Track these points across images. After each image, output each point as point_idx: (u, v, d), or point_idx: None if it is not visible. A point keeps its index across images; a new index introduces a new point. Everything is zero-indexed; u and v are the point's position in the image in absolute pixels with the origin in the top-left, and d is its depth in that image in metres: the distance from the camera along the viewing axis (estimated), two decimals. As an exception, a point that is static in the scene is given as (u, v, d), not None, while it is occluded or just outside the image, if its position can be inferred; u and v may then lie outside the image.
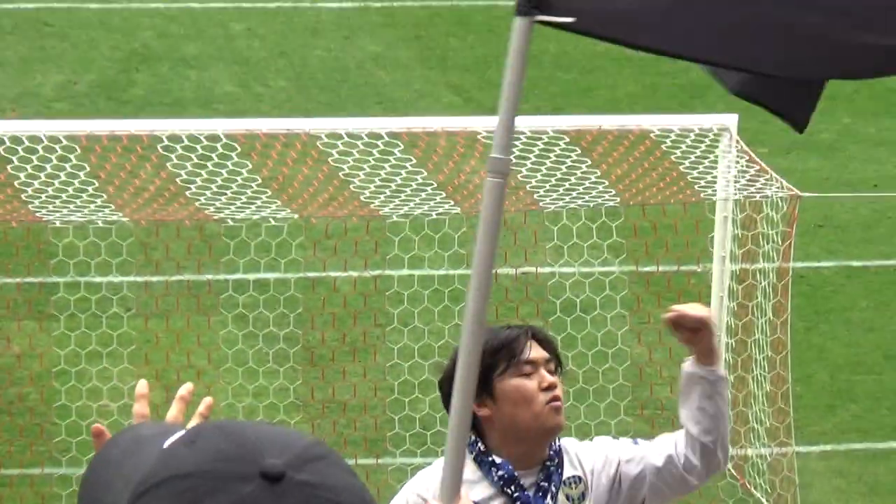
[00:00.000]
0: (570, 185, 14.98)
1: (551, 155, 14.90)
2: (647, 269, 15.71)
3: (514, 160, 15.47)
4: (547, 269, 16.00)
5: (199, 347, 15.14)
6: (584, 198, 15.10)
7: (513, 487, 7.16)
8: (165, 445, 2.00)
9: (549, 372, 7.26)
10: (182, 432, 2.11)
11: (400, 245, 15.48)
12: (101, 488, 2.16)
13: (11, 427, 14.96)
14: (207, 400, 3.14)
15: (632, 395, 14.07)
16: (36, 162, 14.60)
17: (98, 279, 15.97)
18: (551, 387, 7.17)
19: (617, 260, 15.93)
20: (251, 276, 15.98)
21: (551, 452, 7.27)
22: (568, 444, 7.38)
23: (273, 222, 15.53)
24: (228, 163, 15.23)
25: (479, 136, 15.50)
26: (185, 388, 3.19)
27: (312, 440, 1.99)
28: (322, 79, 20.96)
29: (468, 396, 5.78)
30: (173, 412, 3.11)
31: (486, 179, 6.48)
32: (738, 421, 14.23)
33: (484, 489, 7.14)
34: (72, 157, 14.76)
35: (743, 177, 14.72)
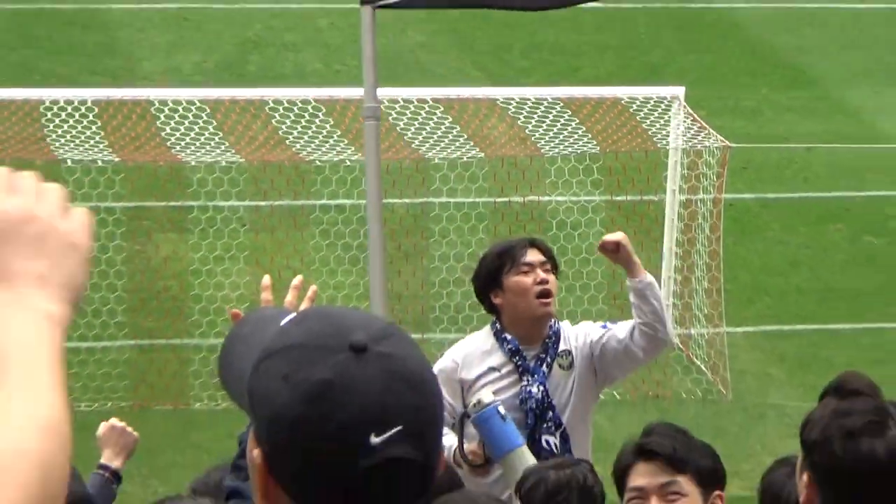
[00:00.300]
0: (562, 137, 14.89)
1: (549, 116, 14.84)
2: (618, 198, 15.50)
3: (523, 120, 15.46)
4: (546, 198, 15.89)
5: (295, 253, 15.13)
6: (573, 147, 15.02)
7: (517, 358, 7.09)
8: (281, 324, 2.03)
9: (545, 271, 7.12)
10: (293, 314, 2.16)
11: (440, 179, 15.43)
12: (234, 356, 2.21)
13: (159, 310, 15.14)
14: (313, 287, 3.48)
15: (607, 289, 13.78)
16: (177, 118, 14.64)
17: (222, 203, 16.04)
18: (543, 282, 7.03)
19: (597, 192, 15.83)
20: (332, 202, 15.93)
21: (551, 332, 7.16)
22: (563, 325, 7.29)
23: (349, 163, 15.33)
24: (316, 120, 15.16)
25: (497, 101, 15.49)
26: (298, 279, 3.47)
27: (388, 322, 2.01)
28: (384, 59, 20.83)
29: (381, 279, 6.84)
30: (289, 297, 3.36)
31: (365, 123, 6.38)
32: (683, 309, 14.26)
33: (498, 357, 7.09)
34: (203, 115, 14.78)
35: (688, 132, 14.57)
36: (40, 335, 1.54)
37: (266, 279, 3.54)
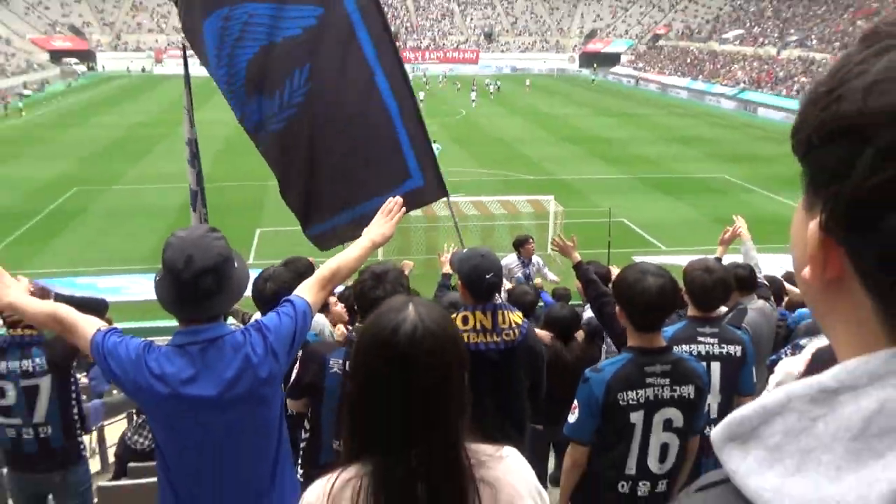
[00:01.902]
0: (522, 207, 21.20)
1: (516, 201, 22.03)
2: (539, 221, 22.07)
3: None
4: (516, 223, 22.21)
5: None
6: (528, 210, 21.12)
7: (523, 262, 12.05)
8: (464, 251, 5.09)
9: (531, 244, 11.99)
10: (465, 250, 5.15)
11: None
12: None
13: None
14: (453, 249, 7.85)
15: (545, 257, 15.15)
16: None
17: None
18: (532, 248, 12.07)
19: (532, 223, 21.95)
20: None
21: (535, 257, 12.14)
22: (535, 257, 12.19)
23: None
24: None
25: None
26: (441, 253, 8.21)
27: (488, 248, 4.97)
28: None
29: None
30: (448, 254, 7.91)
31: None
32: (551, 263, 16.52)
33: (516, 261, 12.14)
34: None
35: (557, 206, 21.39)
36: (361, 246, 4.15)
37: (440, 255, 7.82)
